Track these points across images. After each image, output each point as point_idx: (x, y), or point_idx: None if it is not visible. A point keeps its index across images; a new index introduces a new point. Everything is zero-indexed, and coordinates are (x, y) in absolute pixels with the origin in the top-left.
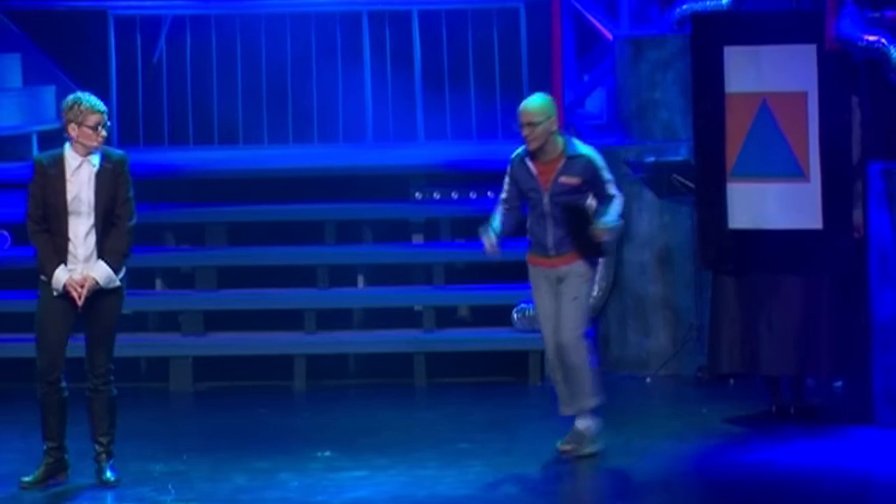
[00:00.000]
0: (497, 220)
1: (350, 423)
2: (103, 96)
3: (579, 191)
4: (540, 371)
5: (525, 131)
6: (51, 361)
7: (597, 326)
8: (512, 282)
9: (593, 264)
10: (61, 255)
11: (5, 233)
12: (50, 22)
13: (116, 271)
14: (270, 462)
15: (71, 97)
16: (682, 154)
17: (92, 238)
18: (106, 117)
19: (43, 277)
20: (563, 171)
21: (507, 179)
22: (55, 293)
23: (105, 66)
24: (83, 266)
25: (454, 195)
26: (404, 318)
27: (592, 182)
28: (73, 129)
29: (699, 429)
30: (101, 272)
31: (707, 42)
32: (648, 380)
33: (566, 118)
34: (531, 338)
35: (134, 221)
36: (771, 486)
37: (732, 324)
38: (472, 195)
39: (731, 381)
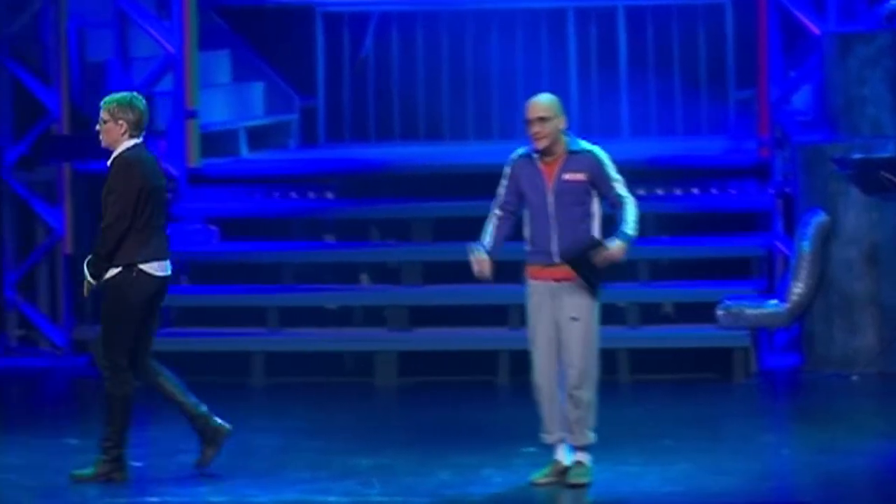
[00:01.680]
0: (488, 235)
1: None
2: (310, 92)
3: (585, 190)
4: (744, 368)
5: (535, 128)
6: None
7: (802, 324)
8: (717, 278)
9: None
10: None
11: (214, 227)
12: (259, 19)
13: (89, 269)
14: (474, 457)
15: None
16: (889, 150)
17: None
18: (103, 112)
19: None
20: (567, 167)
21: (504, 182)
22: None
23: (312, 62)
24: None
25: (659, 191)
26: (609, 314)
27: (598, 179)
28: None
29: None
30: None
31: None
32: (854, 378)
33: (772, 115)
34: (736, 334)
35: (107, 223)
36: None
37: None
38: (677, 191)
39: None
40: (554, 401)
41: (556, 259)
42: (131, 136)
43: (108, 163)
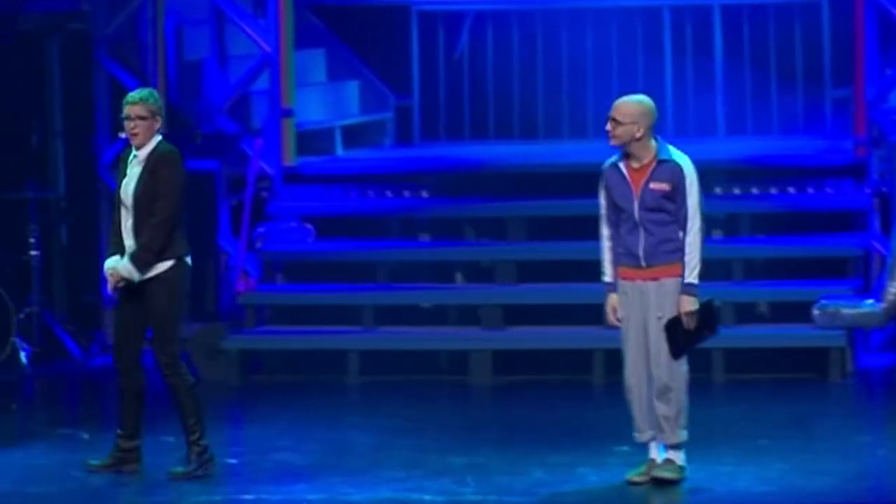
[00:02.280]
0: (608, 271)
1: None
2: (405, 91)
3: (669, 199)
4: (840, 368)
5: (609, 125)
6: (118, 351)
7: None
8: (812, 278)
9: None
10: (115, 246)
11: (309, 226)
12: (354, 18)
13: (139, 265)
14: (569, 456)
15: None
16: None
17: (132, 231)
18: (140, 108)
19: None
20: (654, 177)
21: (601, 195)
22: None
23: (407, 61)
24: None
25: (754, 191)
26: None
27: (677, 191)
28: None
29: None
30: (124, 266)
31: None
32: None
33: (869, 113)
34: (832, 334)
35: (163, 218)
36: None
37: None
38: (773, 191)
39: None
40: (644, 399)
41: (643, 263)
42: (159, 131)
43: (146, 157)
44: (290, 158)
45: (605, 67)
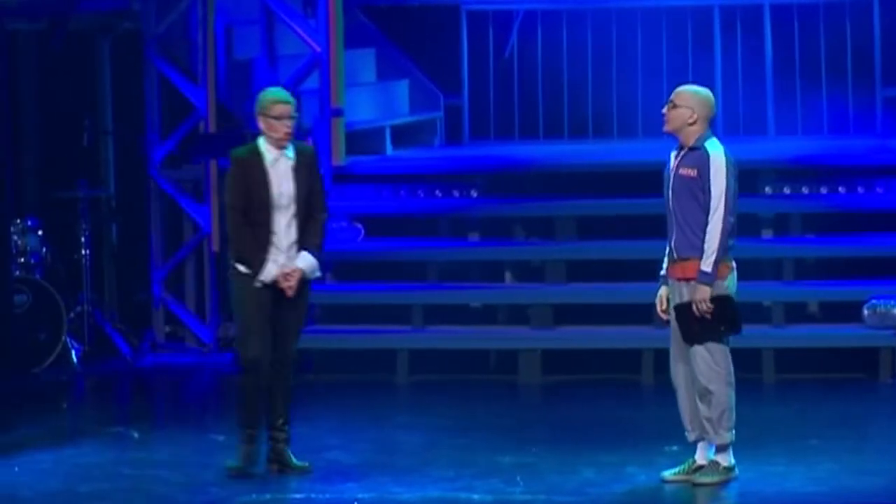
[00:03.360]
0: (665, 263)
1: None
2: (454, 90)
3: (700, 187)
4: (890, 368)
5: (665, 108)
6: (263, 348)
7: None
8: (863, 278)
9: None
10: (264, 248)
11: (359, 225)
12: (403, 17)
13: (319, 262)
14: (618, 456)
15: (262, 91)
16: None
17: (293, 230)
18: (292, 108)
19: (241, 268)
20: (684, 162)
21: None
22: (257, 284)
23: (457, 60)
24: (284, 257)
25: (804, 190)
26: (754, 313)
27: (702, 177)
28: (262, 122)
29: None
30: (307, 263)
31: None
32: None
33: None
34: (882, 334)
35: (327, 214)
36: None
37: None
38: (823, 190)
39: None
40: (687, 398)
41: (674, 255)
42: None
43: (295, 156)
44: (339, 158)
45: (656, 66)
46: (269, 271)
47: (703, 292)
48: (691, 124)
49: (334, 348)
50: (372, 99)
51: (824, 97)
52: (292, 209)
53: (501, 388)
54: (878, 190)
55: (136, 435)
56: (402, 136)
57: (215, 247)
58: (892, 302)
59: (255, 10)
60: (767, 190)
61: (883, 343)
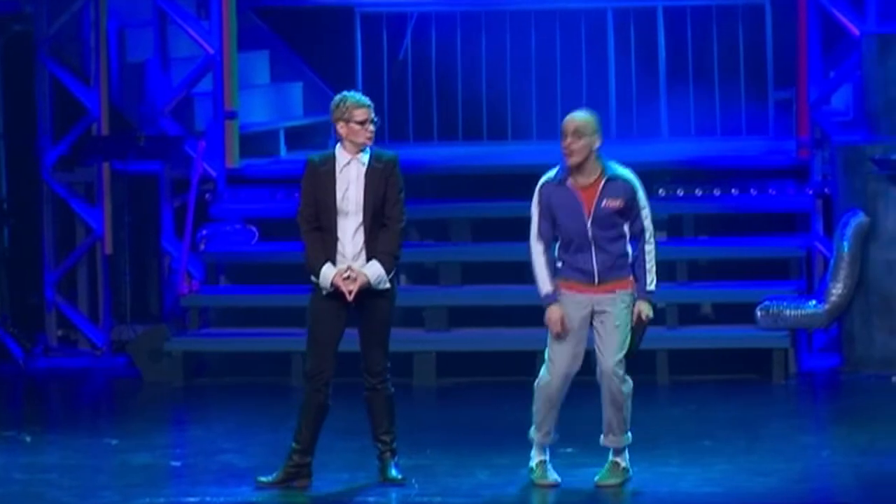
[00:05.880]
0: (547, 281)
1: (592, 417)
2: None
3: (621, 214)
4: (783, 369)
5: (567, 141)
6: (318, 363)
7: (841, 325)
8: (756, 279)
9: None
10: (329, 254)
11: (253, 228)
12: (297, 19)
13: (388, 272)
14: (512, 458)
15: (338, 96)
16: None
17: (360, 237)
18: (373, 112)
19: (313, 277)
20: (606, 193)
21: (537, 212)
22: (325, 293)
23: (351, 62)
24: (351, 264)
25: (698, 192)
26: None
27: (630, 207)
28: (341, 127)
29: None
30: (373, 272)
31: None
32: (894, 379)
33: (812, 115)
34: (775, 335)
35: (404, 223)
36: None
37: None
38: (716, 192)
39: None
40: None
41: (596, 280)
42: None
43: (377, 160)
44: (233, 160)
45: (549, 69)
46: (326, 276)
47: (650, 309)
48: (594, 150)
49: (228, 351)
50: (266, 101)
51: (717, 99)
52: (360, 216)
53: (396, 391)
54: (771, 191)
55: (27, 439)
56: (297, 138)
57: (108, 249)
58: (785, 303)
59: (147, 12)
60: (661, 192)
61: (776, 344)
